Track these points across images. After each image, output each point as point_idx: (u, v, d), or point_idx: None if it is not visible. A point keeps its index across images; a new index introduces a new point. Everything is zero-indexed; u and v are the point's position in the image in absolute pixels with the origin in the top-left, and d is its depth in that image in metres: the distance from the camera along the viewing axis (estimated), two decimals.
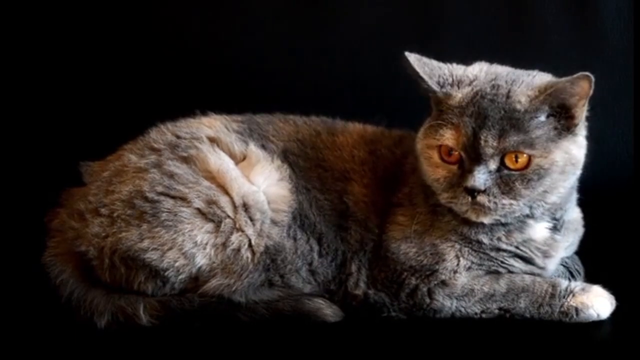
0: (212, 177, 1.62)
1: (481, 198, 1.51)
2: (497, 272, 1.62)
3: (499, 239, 1.60)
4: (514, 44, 2.24)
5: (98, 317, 1.59)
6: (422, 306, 1.60)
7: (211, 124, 1.75)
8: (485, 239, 1.60)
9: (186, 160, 1.64)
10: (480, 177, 1.50)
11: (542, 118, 1.51)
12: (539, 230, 1.62)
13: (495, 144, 1.49)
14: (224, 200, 1.60)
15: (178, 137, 1.70)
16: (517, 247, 1.61)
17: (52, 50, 2.32)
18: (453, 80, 1.57)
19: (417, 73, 1.56)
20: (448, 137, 1.53)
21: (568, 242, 1.69)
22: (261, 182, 1.66)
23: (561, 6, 2.24)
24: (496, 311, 1.60)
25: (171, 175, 1.61)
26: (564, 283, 1.60)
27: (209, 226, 1.59)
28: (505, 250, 1.61)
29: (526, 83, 1.55)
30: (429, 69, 1.58)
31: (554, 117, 1.52)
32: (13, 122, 2.32)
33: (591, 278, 1.70)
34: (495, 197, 1.51)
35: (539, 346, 1.52)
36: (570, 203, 1.66)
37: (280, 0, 2.32)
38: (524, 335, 1.55)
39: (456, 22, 2.28)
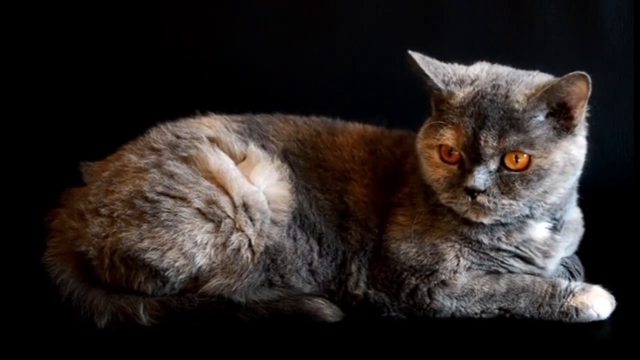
0: (212, 177, 1.62)
1: (481, 198, 1.51)
2: (497, 272, 1.62)
3: (499, 239, 1.60)
4: (514, 44, 2.24)
5: (98, 317, 1.59)
6: (422, 306, 1.60)
7: (211, 124, 1.75)
8: (485, 239, 1.60)
9: (186, 160, 1.64)
10: (480, 177, 1.50)
11: (541, 118, 1.51)
12: (539, 230, 1.62)
13: (495, 144, 1.49)
14: (224, 200, 1.60)
15: (178, 137, 1.70)
16: (517, 247, 1.61)
17: (52, 50, 2.31)
18: (456, 79, 1.57)
19: (422, 71, 1.56)
20: (448, 137, 1.53)
21: (568, 242, 1.69)
22: (261, 182, 1.66)
23: (561, 6, 2.24)
24: (496, 311, 1.60)
25: (171, 175, 1.61)
26: (564, 283, 1.60)
27: (209, 226, 1.59)
28: (505, 250, 1.61)
29: (525, 83, 1.54)
30: (433, 67, 1.58)
31: (553, 117, 1.52)
32: (13, 122, 2.32)
33: (591, 278, 1.70)
34: (495, 197, 1.51)
35: (539, 346, 1.52)
36: (570, 203, 1.66)
37: (280, 0, 2.32)
38: (524, 335, 1.55)
39: (456, 22, 2.27)
